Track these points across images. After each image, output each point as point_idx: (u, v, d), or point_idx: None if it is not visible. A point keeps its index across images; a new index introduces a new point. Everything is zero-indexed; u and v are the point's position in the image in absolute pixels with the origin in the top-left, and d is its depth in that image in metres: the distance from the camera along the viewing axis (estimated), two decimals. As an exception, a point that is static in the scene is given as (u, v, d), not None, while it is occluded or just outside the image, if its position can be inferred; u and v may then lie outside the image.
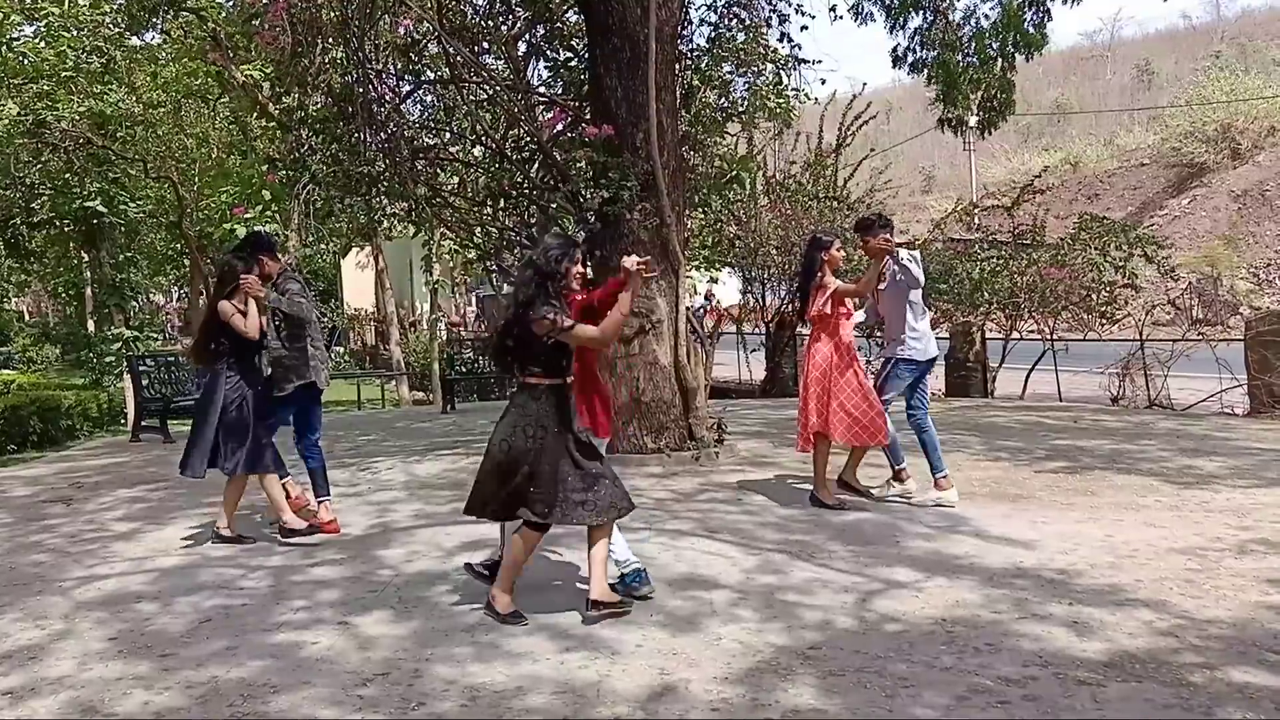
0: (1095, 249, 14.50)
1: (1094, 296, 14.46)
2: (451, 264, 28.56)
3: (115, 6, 18.90)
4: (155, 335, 25.82)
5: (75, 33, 19.19)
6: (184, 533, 6.95)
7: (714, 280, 19.15)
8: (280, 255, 6.97)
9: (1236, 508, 6.62)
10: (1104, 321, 14.65)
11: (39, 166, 21.81)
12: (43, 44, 19.31)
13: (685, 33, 10.71)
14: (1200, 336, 13.64)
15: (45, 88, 18.90)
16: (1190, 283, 29.15)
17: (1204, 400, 12.61)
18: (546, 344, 4.68)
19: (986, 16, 12.17)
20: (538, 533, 4.80)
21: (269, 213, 20.14)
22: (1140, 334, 13.48)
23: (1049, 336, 14.90)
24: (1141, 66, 76.28)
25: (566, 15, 11.07)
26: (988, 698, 3.78)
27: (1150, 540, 5.87)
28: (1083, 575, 5.23)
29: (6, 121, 18.42)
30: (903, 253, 6.72)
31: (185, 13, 18.94)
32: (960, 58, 12.23)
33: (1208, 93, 40.39)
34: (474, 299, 37.91)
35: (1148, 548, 5.71)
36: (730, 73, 11.44)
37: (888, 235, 6.81)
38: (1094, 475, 7.87)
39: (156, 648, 4.62)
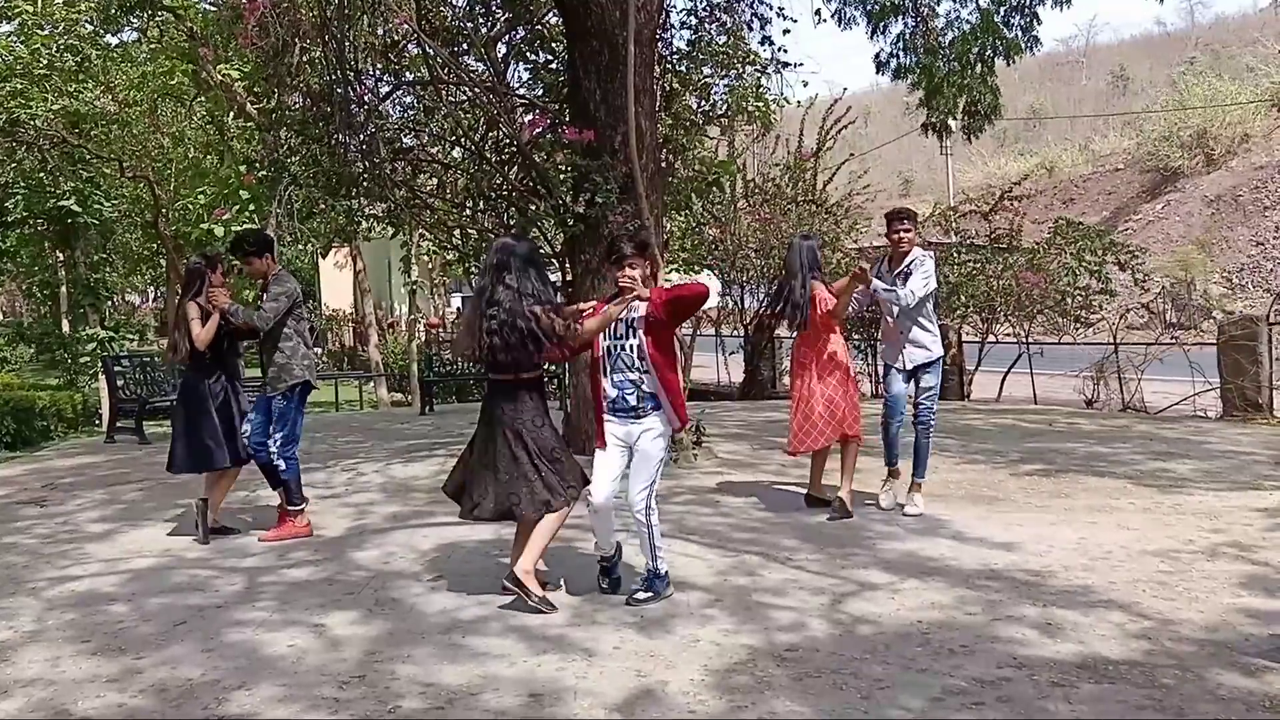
0: (1071, 254, 14.61)
1: (1069, 300, 14.57)
2: (430, 265, 28.47)
3: (90, 4, 18.76)
4: (131, 336, 25.62)
5: (49, 30, 19.04)
6: (158, 534, 6.91)
7: (694, 283, 19.13)
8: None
9: (1209, 510, 6.68)
10: (1078, 325, 14.75)
11: (13, 165, 21.62)
12: (16, 41, 19.15)
13: (665, 36, 10.71)
14: (1174, 340, 13.75)
15: (19, 86, 18.72)
16: (1164, 287, 29.38)
17: (1177, 404, 12.71)
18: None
19: (967, 22, 12.23)
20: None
21: (247, 213, 20.03)
22: (1114, 338, 13.58)
23: (1024, 340, 15.00)
24: (1116, 72, 76.86)
25: (546, 18, 11.06)
26: (962, 699, 3.80)
27: (1124, 542, 5.91)
28: (1057, 577, 5.27)
29: (-21, 119, 18.29)
30: (876, 284, 6.70)
31: (162, 12, 18.84)
32: (942, 63, 12.28)
33: (1187, 98, 40.70)
34: (458, 300, 37.73)
35: (1121, 550, 5.75)
36: (710, 76, 11.45)
37: (903, 231, 6.84)
38: (1069, 478, 7.92)
39: (129, 649, 4.59)
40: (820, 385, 6.82)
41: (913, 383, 6.94)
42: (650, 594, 5.10)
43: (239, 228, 19.52)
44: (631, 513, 5.06)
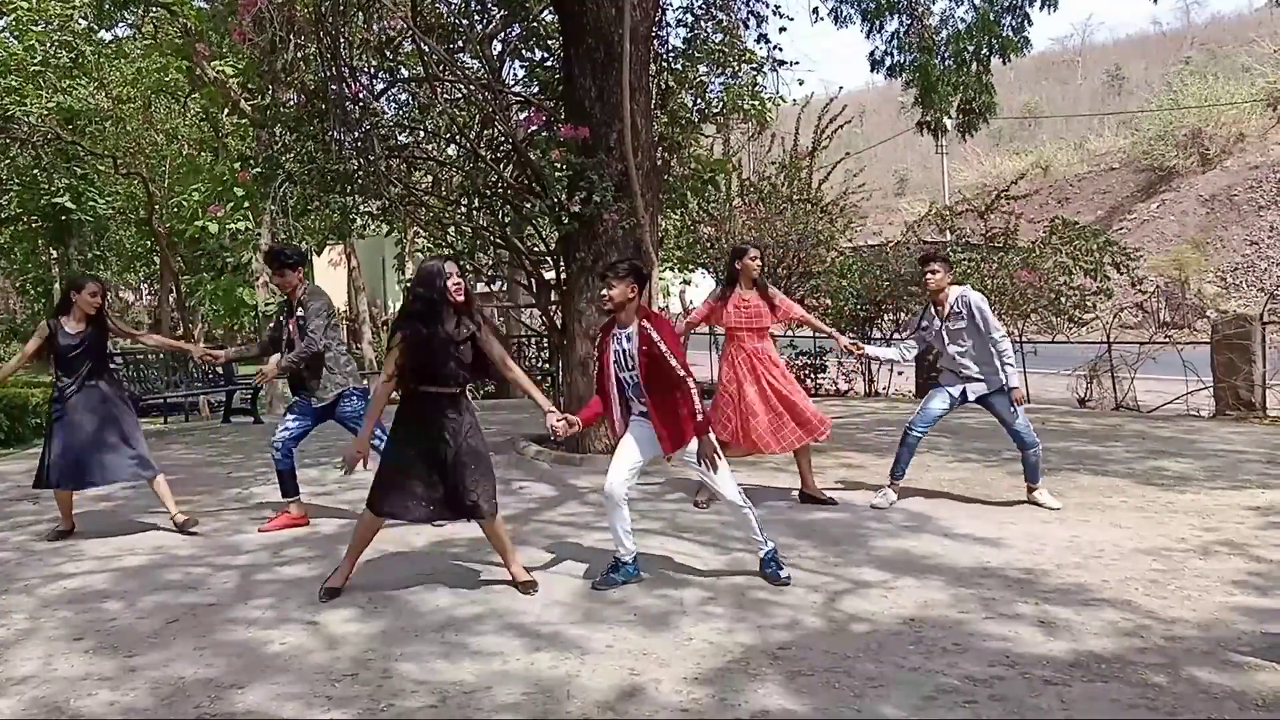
0: (1067, 253, 14.62)
1: (1063, 299, 14.58)
2: (425, 263, 28.39)
3: (84, 0, 18.71)
4: (124, 333, 25.58)
5: (43, 26, 19.00)
6: (152, 531, 6.90)
7: (687, 282, 19.16)
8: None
9: (1201, 509, 6.69)
10: (1072, 324, 14.77)
11: (7, 162, 21.58)
12: (10, 37, 19.09)
13: (661, 33, 10.71)
14: (1167, 339, 13.76)
15: (13, 82, 18.69)
16: (1158, 286, 29.46)
17: (1170, 403, 12.73)
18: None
19: (962, 20, 12.23)
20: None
21: (241, 210, 20.00)
22: (1108, 336, 13.61)
23: (1018, 338, 15.00)
24: (1112, 71, 77.07)
25: (542, 15, 11.06)
26: (955, 697, 3.81)
27: (1116, 541, 5.93)
28: (1049, 575, 5.28)
29: (-27, 116, 18.26)
30: (869, 350, 7.37)
31: (156, 8, 18.81)
32: (938, 61, 12.28)
33: (1183, 98, 40.77)
34: None
35: (1113, 548, 5.77)
36: (706, 74, 11.45)
37: (929, 273, 6.91)
38: (1061, 476, 7.93)
39: (123, 647, 4.58)
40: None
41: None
42: (775, 571, 5.28)
43: (232, 224, 19.51)
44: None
